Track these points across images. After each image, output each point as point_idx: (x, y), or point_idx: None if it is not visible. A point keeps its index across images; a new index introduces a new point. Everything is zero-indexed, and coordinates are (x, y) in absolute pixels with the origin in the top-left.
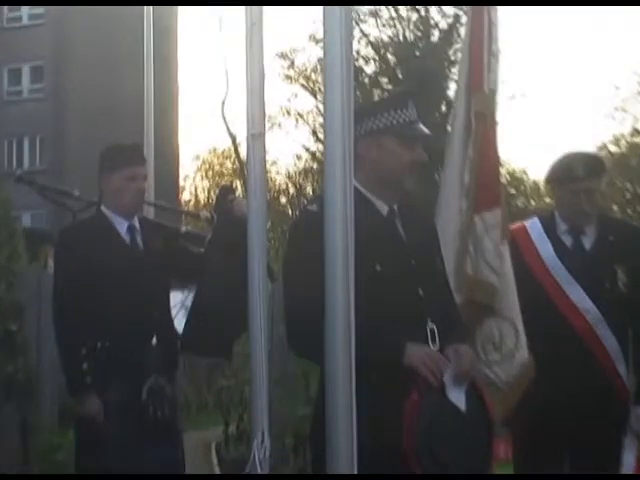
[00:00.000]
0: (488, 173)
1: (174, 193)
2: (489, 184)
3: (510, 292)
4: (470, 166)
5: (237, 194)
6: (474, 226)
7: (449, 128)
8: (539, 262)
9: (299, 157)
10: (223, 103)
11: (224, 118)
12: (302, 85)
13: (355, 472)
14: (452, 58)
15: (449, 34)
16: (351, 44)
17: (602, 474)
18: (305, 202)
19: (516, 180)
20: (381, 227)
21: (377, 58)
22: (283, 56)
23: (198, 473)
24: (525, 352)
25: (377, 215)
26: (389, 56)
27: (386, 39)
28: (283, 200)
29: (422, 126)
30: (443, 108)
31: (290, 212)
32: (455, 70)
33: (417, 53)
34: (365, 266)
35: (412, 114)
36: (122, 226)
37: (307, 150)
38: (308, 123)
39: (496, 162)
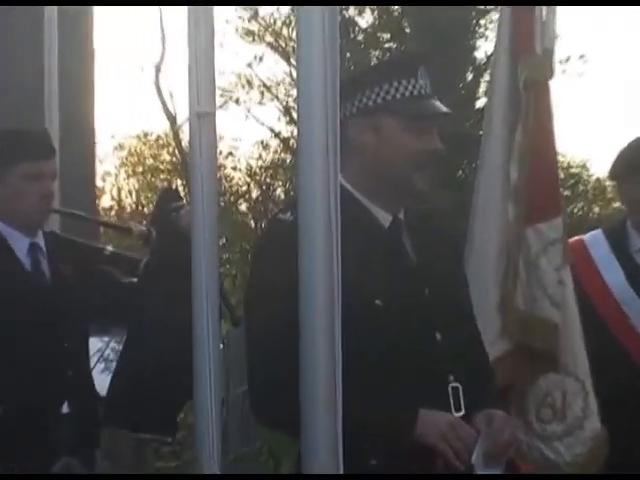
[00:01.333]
0: (544, 167)
1: (90, 197)
2: (546, 183)
3: (576, 336)
4: (519, 157)
5: (184, 201)
6: (526, 242)
7: (483, 104)
8: (604, 293)
9: (265, 146)
10: (157, 71)
11: (159, 91)
12: (269, 44)
13: None
14: (484, 5)
15: None
16: None
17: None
18: (275, 209)
19: (572, 177)
20: (381, 245)
21: (375, 5)
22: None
23: None
24: (597, 420)
25: (375, 228)
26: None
27: None
28: (243, 207)
29: (437, 102)
30: (469, 76)
31: (253, 224)
32: (491, 21)
33: None
34: (359, 300)
35: (423, 85)
36: (21, 245)
37: (276, 136)
38: (278, 98)
39: (553, 152)
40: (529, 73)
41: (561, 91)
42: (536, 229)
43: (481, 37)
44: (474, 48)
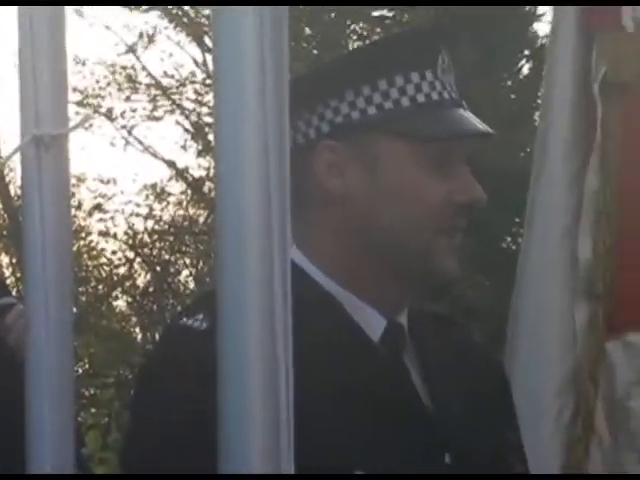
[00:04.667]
0: None
1: None
2: None
3: None
4: (594, 216)
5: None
6: (608, 367)
7: (536, 117)
8: None
9: (160, 193)
10: None
11: None
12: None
13: None
14: None
15: None
16: None
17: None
18: (176, 308)
19: None
20: (366, 372)
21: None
22: None
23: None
24: None
25: (357, 342)
26: None
27: None
28: (122, 303)
29: (469, 114)
30: (524, 69)
31: (140, 332)
32: None
33: None
34: (329, 468)
35: (447, 85)
36: None
37: (180, 175)
38: (182, 109)
39: None
40: (613, 66)
41: None
42: (626, 343)
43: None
44: (529, 25)
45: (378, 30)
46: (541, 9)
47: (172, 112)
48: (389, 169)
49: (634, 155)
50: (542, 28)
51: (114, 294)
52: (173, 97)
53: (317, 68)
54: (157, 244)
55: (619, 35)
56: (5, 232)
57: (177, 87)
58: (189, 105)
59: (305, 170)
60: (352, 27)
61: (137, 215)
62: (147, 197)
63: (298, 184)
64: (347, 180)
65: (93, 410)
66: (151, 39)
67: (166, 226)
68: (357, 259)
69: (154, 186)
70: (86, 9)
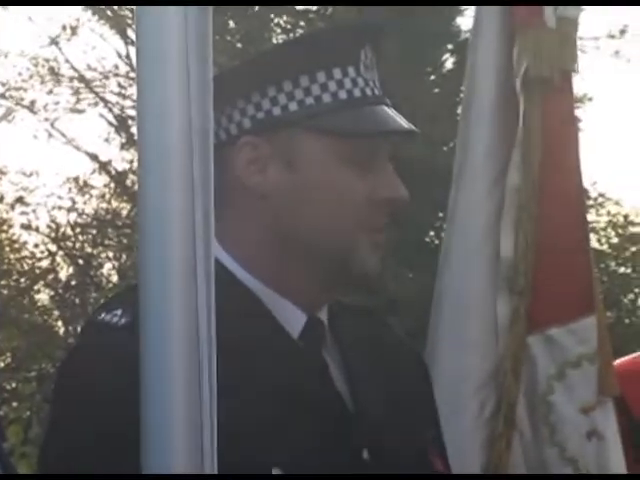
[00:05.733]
0: (562, 229)
1: None
2: (565, 255)
3: None
4: (516, 214)
5: None
6: (529, 362)
7: (459, 111)
8: None
9: (83, 186)
10: None
11: None
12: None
13: None
14: None
15: None
16: None
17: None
18: (96, 302)
19: (620, 236)
20: (285, 368)
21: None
22: None
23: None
24: None
25: (276, 338)
26: None
27: None
28: (44, 296)
29: (392, 110)
30: (447, 64)
31: (62, 327)
32: None
33: None
34: (247, 467)
35: (369, 80)
36: None
37: (102, 168)
38: (104, 101)
39: (578, 201)
40: (534, 62)
41: (593, 92)
42: (547, 338)
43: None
44: (455, 16)
45: (302, 24)
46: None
47: (95, 105)
48: (310, 166)
49: (555, 151)
50: (465, 22)
51: (36, 287)
52: (96, 90)
53: (240, 63)
54: (80, 237)
55: (541, 30)
56: None
57: (100, 80)
58: (112, 98)
59: (226, 166)
60: (276, 21)
61: (60, 208)
62: (70, 190)
63: (220, 180)
64: (268, 176)
65: (15, 404)
66: (74, 31)
67: (89, 219)
68: (277, 256)
69: (77, 179)
70: None
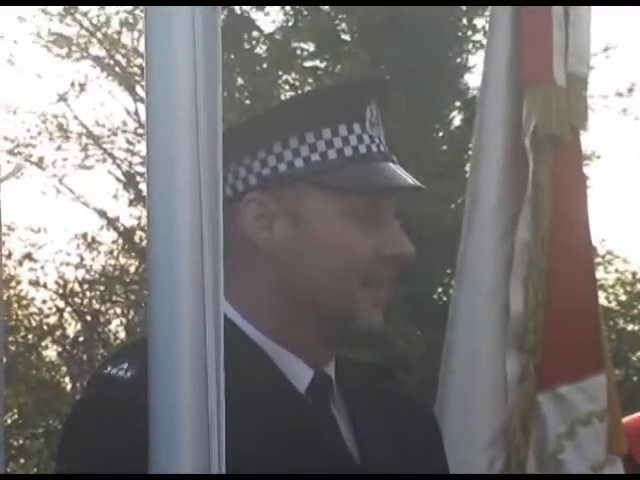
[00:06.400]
0: (572, 286)
1: None
2: (575, 312)
3: None
4: (525, 270)
5: None
6: (539, 419)
7: (467, 168)
8: None
9: (91, 242)
10: None
11: None
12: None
13: None
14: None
15: None
16: None
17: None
18: (102, 356)
19: (628, 294)
20: (292, 424)
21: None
22: None
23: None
24: None
25: (284, 393)
26: None
27: None
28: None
29: (398, 167)
30: (455, 121)
31: (69, 382)
32: (476, 35)
33: None
34: None
35: (375, 137)
36: None
37: (110, 224)
38: (112, 157)
39: (588, 259)
40: (543, 120)
41: (602, 149)
42: (557, 396)
43: (467, 60)
44: (460, 77)
45: (310, 81)
46: (472, 61)
47: (103, 161)
48: (316, 222)
49: (564, 208)
50: (473, 80)
51: (44, 343)
52: (104, 146)
53: (246, 120)
54: (87, 294)
55: (550, 88)
56: None
57: (108, 136)
58: (120, 154)
59: (233, 222)
60: (284, 78)
61: (68, 264)
62: (78, 246)
63: (226, 236)
64: (274, 233)
65: (22, 461)
66: (82, 88)
67: (97, 276)
68: (284, 310)
69: (85, 235)
70: (17, 58)
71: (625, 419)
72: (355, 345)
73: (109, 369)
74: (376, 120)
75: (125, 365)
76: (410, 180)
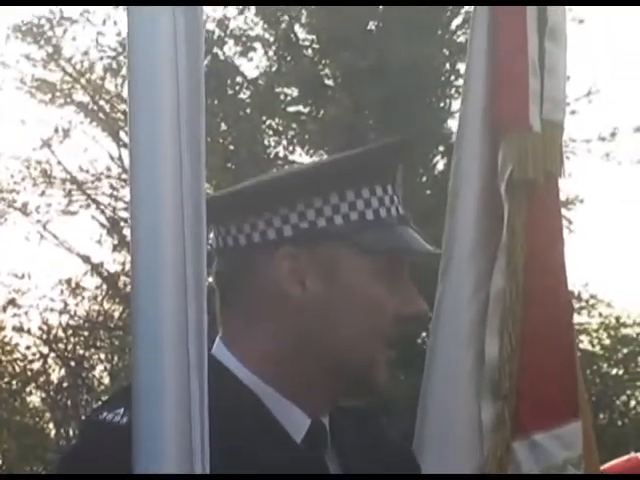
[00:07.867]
0: (547, 332)
1: None
2: (550, 358)
3: None
4: (501, 316)
5: None
6: (517, 465)
7: (447, 218)
8: None
9: (75, 289)
10: None
11: None
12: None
13: None
14: (449, 64)
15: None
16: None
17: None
18: (93, 403)
19: (621, 343)
20: (289, 472)
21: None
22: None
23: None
24: None
25: (282, 443)
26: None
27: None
28: (36, 399)
29: (416, 232)
30: (439, 165)
31: (53, 429)
32: (459, 80)
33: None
34: None
35: (397, 202)
36: None
37: (94, 270)
38: (96, 203)
39: (564, 304)
40: (519, 165)
41: (584, 194)
42: (532, 443)
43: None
44: (444, 125)
45: (294, 126)
46: (455, 105)
47: (87, 207)
48: (349, 280)
49: (540, 254)
50: (456, 124)
51: (28, 389)
52: (88, 192)
53: (283, 173)
54: (72, 339)
55: (526, 135)
56: None
57: (92, 182)
58: (104, 200)
59: (260, 270)
60: (268, 122)
61: (52, 310)
62: (62, 292)
63: (247, 282)
64: (307, 287)
65: None
66: (66, 133)
67: (81, 321)
68: (295, 362)
69: (69, 281)
70: (1, 104)
71: (609, 464)
72: (361, 399)
73: (105, 414)
74: (401, 181)
75: (121, 410)
76: (429, 246)
